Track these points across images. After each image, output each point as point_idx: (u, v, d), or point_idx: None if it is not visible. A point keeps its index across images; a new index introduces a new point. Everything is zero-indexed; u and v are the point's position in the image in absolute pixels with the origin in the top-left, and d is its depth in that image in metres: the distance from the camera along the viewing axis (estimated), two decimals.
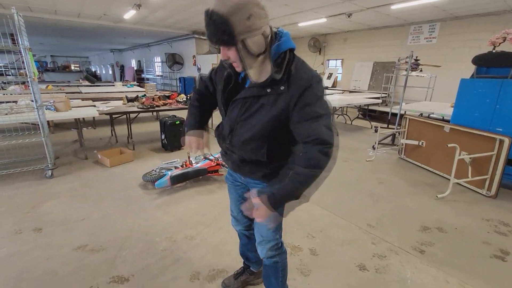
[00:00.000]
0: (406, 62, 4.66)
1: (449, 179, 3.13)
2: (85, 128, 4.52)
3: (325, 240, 2.08)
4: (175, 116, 4.31)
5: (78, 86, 8.63)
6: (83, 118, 5.38)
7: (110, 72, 20.87)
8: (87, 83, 9.55)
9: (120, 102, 4.79)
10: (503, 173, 2.74)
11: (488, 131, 2.86)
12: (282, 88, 0.88)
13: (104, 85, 9.27)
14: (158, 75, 14.18)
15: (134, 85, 9.06)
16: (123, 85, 8.62)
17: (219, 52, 0.93)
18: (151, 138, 5.00)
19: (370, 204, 2.68)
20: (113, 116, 4.16)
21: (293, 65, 0.89)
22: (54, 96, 4.56)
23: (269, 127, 0.95)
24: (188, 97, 5.00)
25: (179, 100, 5.07)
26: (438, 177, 3.38)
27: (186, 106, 4.75)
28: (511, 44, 3.35)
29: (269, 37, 0.87)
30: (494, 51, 3.35)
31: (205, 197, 2.77)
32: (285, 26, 8.43)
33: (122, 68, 18.24)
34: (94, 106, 4.34)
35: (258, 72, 0.92)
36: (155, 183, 2.74)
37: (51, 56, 20.81)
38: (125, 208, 2.51)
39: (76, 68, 20.49)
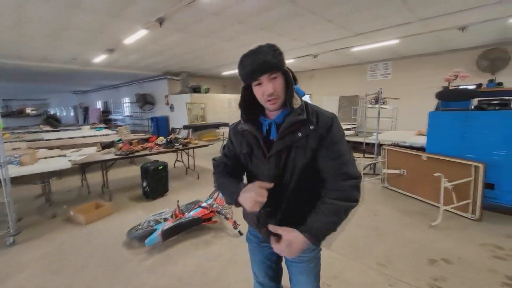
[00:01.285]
0: (376, 97, 5.10)
1: (435, 205, 3.31)
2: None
3: (343, 287, 1.97)
4: (157, 160, 4.08)
5: (39, 132, 7.94)
6: None
7: (72, 114, 19.76)
8: (48, 128, 8.85)
9: (93, 149, 4.44)
10: (483, 196, 2.96)
11: (463, 159, 3.13)
12: (311, 127, 0.93)
13: (69, 129, 8.66)
14: (127, 116, 13.72)
15: (104, 127, 8.61)
16: (91, 128, 8.13)
17: (245, 87, 0.97)
18: (129, 185, 4.62)
19: (374, 240, 2.66)
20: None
21: (310, 107, 0.97)
22: (16, 147, 4.12)
23: (308, 169, 0.96)
24: (168, 139, 4.83)
25: (159, 143, 4.86)
26: (425, 204, 3.53)
27: (168, 149, 4.57)
28: (462, 80, 3.88)
29: None
30: (449, 87, 3.83)
31: (202, 250, 2.53)
32: None
33: (86, 109, 17.41)
34: (64, 155, 3.96)
35: (294, 102, 0.95)
36: (145, 241, 2.45)
37: (3, 100, 19.21)
38: (111, 275, 2.18)
39: (33, 111, 19.03)
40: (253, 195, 0.91)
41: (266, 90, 0.89)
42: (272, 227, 0.96)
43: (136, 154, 4.10)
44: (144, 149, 4.43)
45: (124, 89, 13.62)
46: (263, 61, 0.85)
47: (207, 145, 5.34)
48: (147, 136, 5.46)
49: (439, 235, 2.71)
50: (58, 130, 8.49)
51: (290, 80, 0.91)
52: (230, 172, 1.13)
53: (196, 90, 9.99)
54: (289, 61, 8.06)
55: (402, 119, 7.80)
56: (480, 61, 6.41)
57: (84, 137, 6.50)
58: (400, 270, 2.16)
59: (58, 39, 5.24)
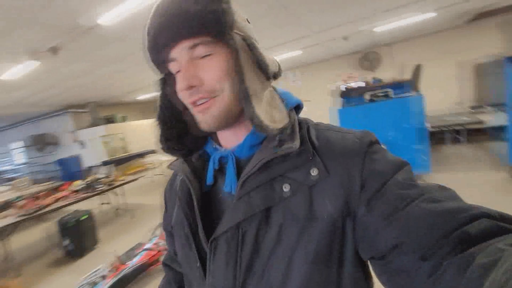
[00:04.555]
0: None
1: None
2: None
3: None
4: (77, 210, 3.47)
5: None
6: None
7: None
8: None
9: None
10: None
11: None
12: (313, 173, 0.42)
13: None
14: (22, 164, 11.18)
15: None
16: None
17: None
18: (41, 249, 3.76)
19: None
20: None
21: (312, 130, 0.48)
22: None
23: (319, 269, 0.40)
24: (88, 182, 4.17)
25: (75, 188, 4.14)
26: None
27: (89, 193, 3.96)
28: (353, 80, 4.75)
29: None
30: (346, 86, 4.63)
31: None
32: None
33: None
34: None
35: (270, 113, 0.44)
36: None
37: None
38: None
39: None
40: None
41: (186, 76, 0.41)
42: None
43: (48, 209, 3.38)
44: (57, 200, 3.70)
45: (11, 132, 11.08)
46: (178, 13, 0.37)
47: (137, 179, 4.85)
48: (57, 183, 4.60)
49: None
50: None
51: (244, 59, 0.41)
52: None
53: (110, 120, 8.99)
54: None
55: (315, 118, 8.89)
56: (362, 62, 7.94)
57: None
58: None
59: None
